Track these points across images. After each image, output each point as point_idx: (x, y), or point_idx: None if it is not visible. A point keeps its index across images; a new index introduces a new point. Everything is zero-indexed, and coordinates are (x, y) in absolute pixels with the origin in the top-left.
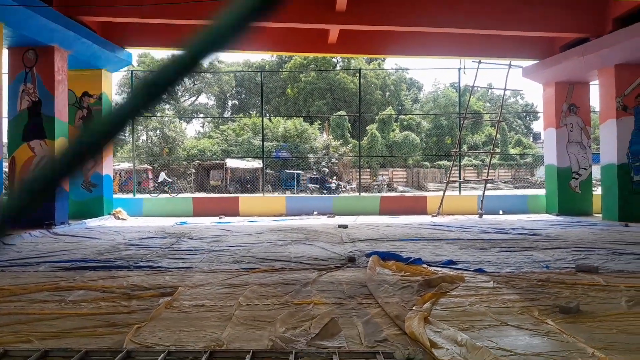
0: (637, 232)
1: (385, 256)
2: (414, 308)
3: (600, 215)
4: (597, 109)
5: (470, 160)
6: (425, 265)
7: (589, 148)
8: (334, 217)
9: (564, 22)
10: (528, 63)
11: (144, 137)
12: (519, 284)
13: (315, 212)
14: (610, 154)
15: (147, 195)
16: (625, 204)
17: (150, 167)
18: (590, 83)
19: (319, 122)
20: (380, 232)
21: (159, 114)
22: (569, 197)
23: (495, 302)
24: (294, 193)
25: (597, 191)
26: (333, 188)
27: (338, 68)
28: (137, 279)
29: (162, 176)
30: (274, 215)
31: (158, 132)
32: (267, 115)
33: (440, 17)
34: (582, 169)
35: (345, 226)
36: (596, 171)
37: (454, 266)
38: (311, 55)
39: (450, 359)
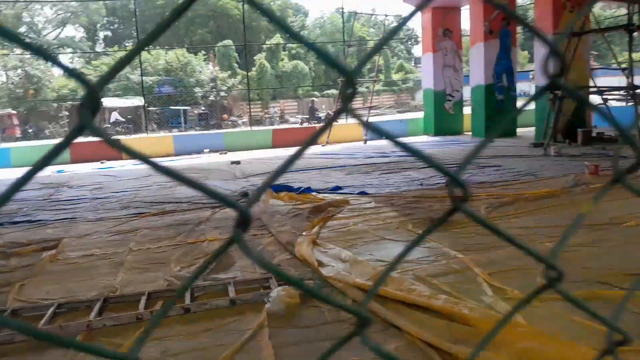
0: (499, 146)
1: (277, 188)
2: (303, 233)
3: (470, 133)
4: (468, 32)
5: (358, 87)
6: (314, 193)
7: (461, 70)
8: (225, 153)
9: None
10: None
11: (3, 78)
12: (397, 202)
13: (206, 150)
14: (478, 75)
15: (14, 144)
16: (491, 121)
17: (15, 112)
18: (461, 8)
19: (204, 52)
20: (273, 166)
21: (17, 51)
22: (444, 118)
23: (376, 220)
24: (181, 131)
25: (468, 111)
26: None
27: None
28: (14, 236)
29: (115, 116)
30: (162, 156)
31: (20, 71)
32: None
33: None
34: (455, 91)
35: (238, 162)
36: (467, 92)
37: (341, 191)
38: None
39: (335, 275)
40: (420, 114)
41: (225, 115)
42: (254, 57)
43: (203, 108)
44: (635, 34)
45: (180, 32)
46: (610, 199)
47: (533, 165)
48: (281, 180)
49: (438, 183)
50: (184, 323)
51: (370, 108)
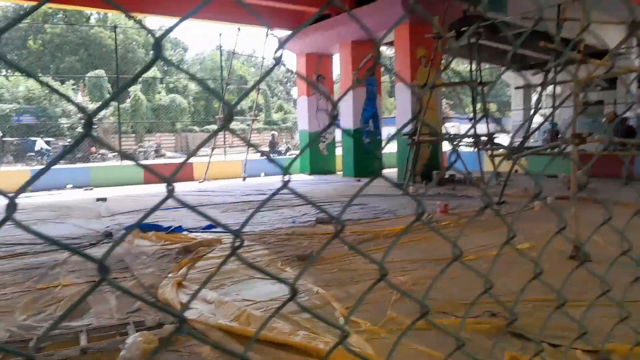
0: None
1: (145, 227)
2: (169, 275)
3: (341, 172)
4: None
5: (237, 124)
6: (185, 232)
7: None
8: (91, 189)
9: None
10: (283, 33)
11: None
12: (269, 239)
13: (69, 186)
14: (348, 120)
15: None
16: (359, 162)
17: None
18: (333, 55)
19: (73, 81)
20: (143, 203)
21: None
22: (318, 158)
23: (247, 259)
24: (42, 164)
25: (340, 152)
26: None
27: (93, 21)
28: None
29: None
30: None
31: None
32: (3, 72)
33: None
34: (328, 133)
35: (104, 199)
36: (339, 134)
37: (214, 230)
38: (59, 6)
39: (198, 317)
40: (296, 153)
41: (93, 148)
42: (129, 89)
43: (69, 140)
44: (483, 88)
45: (45, 58)
46: (456, 234)
47: (394, 203)
48: (151, 219)
49: (309, 220)
50: None
51: (250, 146)
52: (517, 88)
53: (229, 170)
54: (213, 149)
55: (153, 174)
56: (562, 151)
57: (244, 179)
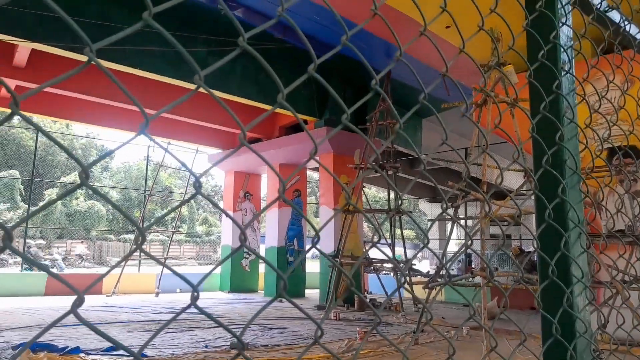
0: (287, 307)
1: (37, 347)
2: None
3: (263, 292)
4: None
5: (157, 236)
6: (82, 354)
7: (258, 231)
8: None
9: (244, 123)
10: (214, 151)
11: None
12: None
13: None
14: (272, 237)
15: None
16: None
17: None
18: (262, 175)
19: None
20: (39, 318)
21: None
22: (240, 275)
23: None
24: None
25: (263, 269)
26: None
27: (15, 122)
28: None
29: None
30: None
31: None
32: None
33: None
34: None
35: None
36: (262, 251)
37: (115, 352)
38: None
39: None
40: (219, 269)
41: None
42: (44, 192)
43: None
44: (401, 216)
45: None
46: None
47: (314, 327)
48: (46, 337)
49: (223, 345)
50: None
51: (166, 259)
52: (429, 220)
53: (141, 285)
54: (126, 260)
55: (64, 284)
56: (473, 282)
57: (157, 294)
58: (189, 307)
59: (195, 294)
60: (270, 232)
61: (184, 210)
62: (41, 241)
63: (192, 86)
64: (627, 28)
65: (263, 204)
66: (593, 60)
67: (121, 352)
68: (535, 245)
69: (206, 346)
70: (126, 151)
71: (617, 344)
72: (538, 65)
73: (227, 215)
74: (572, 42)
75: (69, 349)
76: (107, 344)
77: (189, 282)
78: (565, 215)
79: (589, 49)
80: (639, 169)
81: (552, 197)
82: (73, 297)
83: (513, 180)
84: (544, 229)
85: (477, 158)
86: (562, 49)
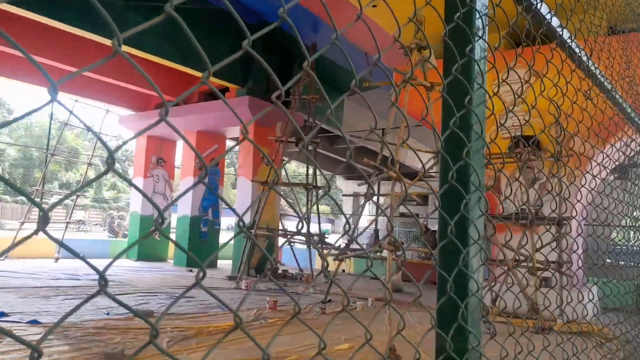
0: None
1: None
2: None
3: (172, 261)
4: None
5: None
6: None
7: (171, 199)
8: None
9: (159, 85)
10: (126, 112)
11: None
12: (73, 333)
13: None
14: (186, 206)
15: None
16: (193, 250)
17: None
18: (177, 141)
19: None
20: None
21: None
22: (149, 243)
23: (43, 356)
24: None
25: (173, 238)
26: None
27: None
28: None
29: None
30: None
31: None
32: None
33: (35, 44)
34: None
35: None
36: (174, 220)
37: (5, 319)
38: None
39: None
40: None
41: None
42: None
43: None
44: (317, 190)
45: None
46: (283, 333)
47: (224, 297)
48: None
49: (126, 313)
50: None
51: (68, 223)
52: (344, 195)
53: (39, 249)
54: (23, 222)
55: None
56: (381, 254)
57: (57, 260)
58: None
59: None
60: (183, 200)
61: (90, 173)
62: None
63: (105, 41)
64: (549, 18)
65: (177, 172)
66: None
67: (11, 317)
68: (437, 204)
69: (108, 313)
70: (28, 107)
71: (503, 315)
72: (454, 26)
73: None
74: (487, 10)
75: None
76: None
77: (67, 247)
78: (467, 178)
79: (505, 23)
80: (537, 157)
81: (457, 160)
82: None
83: (424, 161)
84: (446, 190)
85: (393, 138)
86: (477, 14)
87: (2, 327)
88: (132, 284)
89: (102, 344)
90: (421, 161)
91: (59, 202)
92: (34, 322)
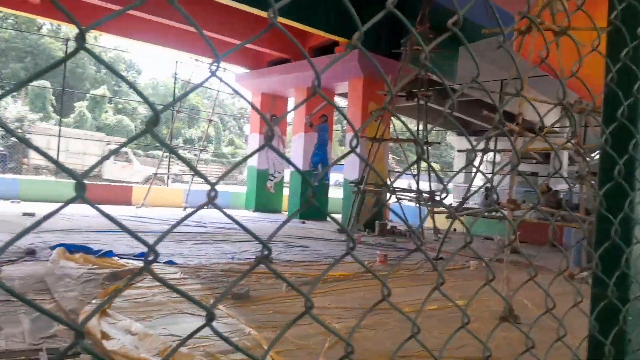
0: (309, 228)
1: (73, 248)
2: (93, 301)
3: (287, 212)
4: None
5: (184, 153)
6: (116, 258)
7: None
8: (18, 203)
9: (272, 42)
10: (241, 71)
11: None
12: (204, 274)
13: None
14: (297, 162)
15: None
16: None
17: None
18: (289, 98)
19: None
20: (76, 223)
21: None
22: (265, 196)
23: (214, 319)
24: None
25: (287, 192)
26: None
27: (45, 31)
28: None
29: None
30: None
31: None
32: None
33: (160, 7)
34: (277, 172)
35: (32, 214)
36: (287, 175)
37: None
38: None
39: (119, 349)
40: (243, 188)
41: (25, 159)
42: (75, 104)
43: (1, 148)
44: (428, 147)
45: None
46: (394, 286)
47: (335, 249)
48: (81, 240)
49: (248, 258)
50: None
51: (194, 175)
52: (459, 151)
53: (169, 199)
54: (155, 174)
55: (67, 173)
56: (498, 214)
57: (185, 209)
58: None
59: (213, 193)
60: (295, 156)
61: (211, 130)
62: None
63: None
64: None
65: (289, 129)
66: None
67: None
68: (556, 166)
69: (232, 258)
70: (154, 67)
71: None
72: (625, 5)
73: (288, 161)
74: None
75: (102, 251)
76: (139, 250)
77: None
78: (632, 173)
79: None
80: None
81: (623, 153)
82: (108, 206)
83: (548, 115)
84: (610, 187)
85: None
86: None
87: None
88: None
89: (229, 284)
90: (539, 114)
91: (100, 162)
92: (170, 263)
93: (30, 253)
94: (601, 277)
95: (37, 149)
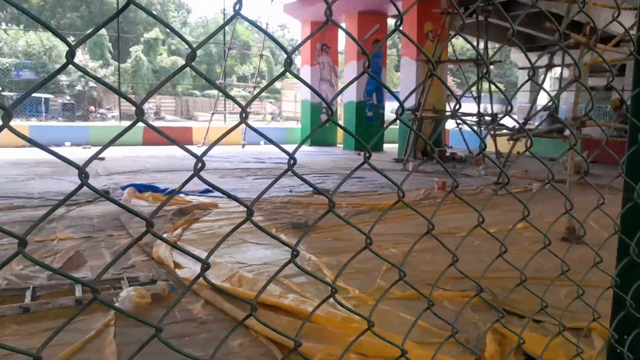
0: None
1: (142, 188)
2: (164, 235)
3: (342, 145)
4: (344, 50)
5: (239, 92)
6: (182, 195)
7: (337, 85)
8: (89, 148)
9: None
10: (290, 0)
11: None
12: (265, 207)
13: (67, 143)
14: (351, 92)
15: None
16: (360, 135)
17: None
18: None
19: (73, 38)
20: (141, 164)
21: None
22: (320, 129)
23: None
24: (41, 121)
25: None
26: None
27: None
28: None
29: None
30: (14, 147)
31: None
32: (3, 25)
33: None
34: (331, 104)
35: (102, 158)
36: (340, 107)
37: (210, 194)
38: None
39: (191, 276)
40: (299, 124)
41: (92, 107)
42: (130, 49)
43: (68, 98)
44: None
45: (45, 12)
46: (450, 212)
47: (393, 178)
48: (148, 180)
49: (306, 190)
50: (21, 322)
51: (247, 114)
52: (521, 69)
53: (228, 137)
54: (213, 114)
55: (165, 137)
56: (561, 134)
57: (243, 146)
58: (289, 169)
59: (199, 165)
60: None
61: (263, 66)
62: (133, 96)
63: None
64: None
65: (340, 58)
66: None
67: (215, 193)
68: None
69: (291, 191)
70: (203, 5)
71: None
72: None
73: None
74: None
75: (169, 189)
76: (203, 187)
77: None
78: None
79: None
80: None
81: None
82: (168, 147)
83: (623, 21)
84: None
85: None
86: None
87: (212, 205)
88: (308, 165)
89: (289, 215)
90: (619, 23)
91: (147, 98)
92: (235, 197)
93: (105, 193)
94: None
95: (117, 91)
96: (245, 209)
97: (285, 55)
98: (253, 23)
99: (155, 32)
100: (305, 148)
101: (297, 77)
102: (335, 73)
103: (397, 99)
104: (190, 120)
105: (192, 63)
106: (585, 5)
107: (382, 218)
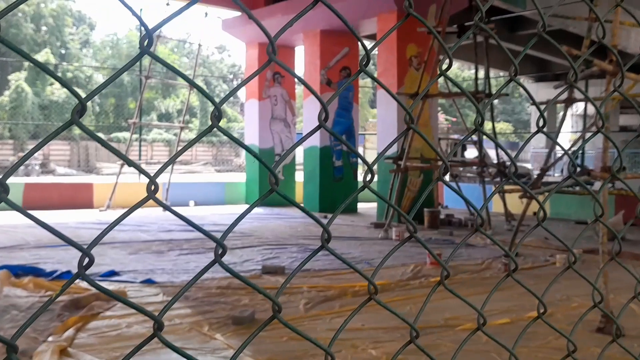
0: (336, 224)
1: (20, 270)
2: (49, 339)
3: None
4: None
5: (160, 134)
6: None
7: (293, 126)
8: None
9: None
10: (230, 14)
11: None
12: (194, 294)
13: None
14: (314, 135)
15: None
16: (326, 192)
17: None
18: (296, 47)
19: None
20: (20, 236)
21: None
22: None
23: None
24: None
25: (301, 177)
26: None
27: None
28: None
29: None
30: None
31: None
32: None
33: None
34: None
35: None
36: (300, 154)
37: (117, 278)
38: None
39: None
40: (242, 176)
41: None
42: (9, 77)
43: None
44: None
45: None
46: (446, 296)
47: (370, 250)
48: (31, 260)
49: (253, 269)
50: None
51: (173, 164)
52: (533, 104)
53: (143, 196)
54: (123, 165)
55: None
56: (586, 189)
57: (164, 209)
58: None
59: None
60: (309, 126)
61: (194, 100)
62: (10, 141)
63: None
64: None
65: (299, 90)
66: None
67: (123, 276)
68: None
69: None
70: (112, 19)
71: None
72: None
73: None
74: None
75: (58, 273)
76: (105, 269)
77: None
78: None
79: None
80: None
81: None
82: (57, 211)
83: None
84: None
85: (607, 14)
86: None
87: (119, 293)
88: (256, 234)
89: (228, 306)
90: None
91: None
92: (149, 282)
93: None
94: None
95: None
96: (164, 300)
97: (224, 86)
98: (164, 63)
99: (46, 54)
100: (255, 210)
101: (231, 136)
102: (292, 109)
103: (364, 161)
104: (90, 173)
105: (98, 98)
106: (606, 23)
107: (354, 313)
